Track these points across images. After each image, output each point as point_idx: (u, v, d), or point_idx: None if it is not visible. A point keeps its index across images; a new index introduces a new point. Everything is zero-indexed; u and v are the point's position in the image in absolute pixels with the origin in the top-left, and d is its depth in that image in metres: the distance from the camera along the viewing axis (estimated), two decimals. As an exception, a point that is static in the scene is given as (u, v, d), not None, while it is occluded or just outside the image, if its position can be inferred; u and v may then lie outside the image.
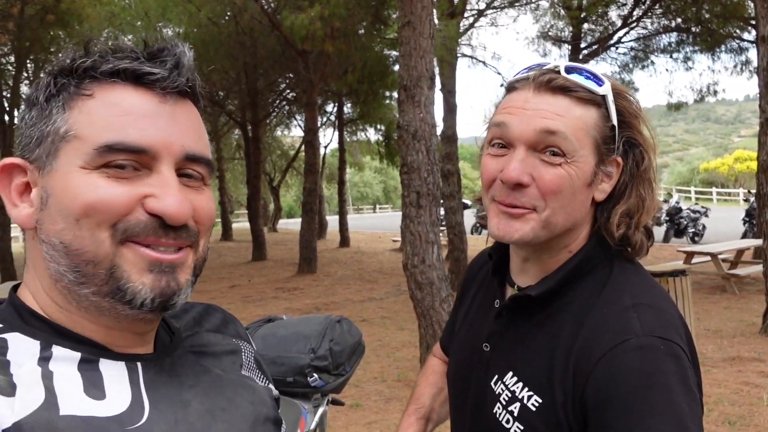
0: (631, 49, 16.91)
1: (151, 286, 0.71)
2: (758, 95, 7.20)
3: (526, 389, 1.04)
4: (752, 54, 14.88)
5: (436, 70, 13.81)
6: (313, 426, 2.39)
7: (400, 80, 5.84)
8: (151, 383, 0.76)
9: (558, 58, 17.24)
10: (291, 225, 31.10)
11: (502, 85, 1.12)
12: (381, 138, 21.18)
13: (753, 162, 11.50)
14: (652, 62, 17.08)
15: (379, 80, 16.44)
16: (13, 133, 14.36)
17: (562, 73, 1.03)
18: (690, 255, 10.16)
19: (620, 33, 15.80)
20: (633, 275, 1.07)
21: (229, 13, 16.37)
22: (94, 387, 0.70)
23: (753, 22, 11.65)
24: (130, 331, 0.76)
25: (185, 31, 16.94)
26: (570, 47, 15.62)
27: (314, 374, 2.33)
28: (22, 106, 0.76)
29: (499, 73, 17.29)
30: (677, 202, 17.95)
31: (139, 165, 0.71)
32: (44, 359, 0.70)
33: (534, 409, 1.01)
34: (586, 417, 0.95)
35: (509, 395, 1.06)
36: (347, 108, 21.85)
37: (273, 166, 29.62)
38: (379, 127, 20.84)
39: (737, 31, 15.10)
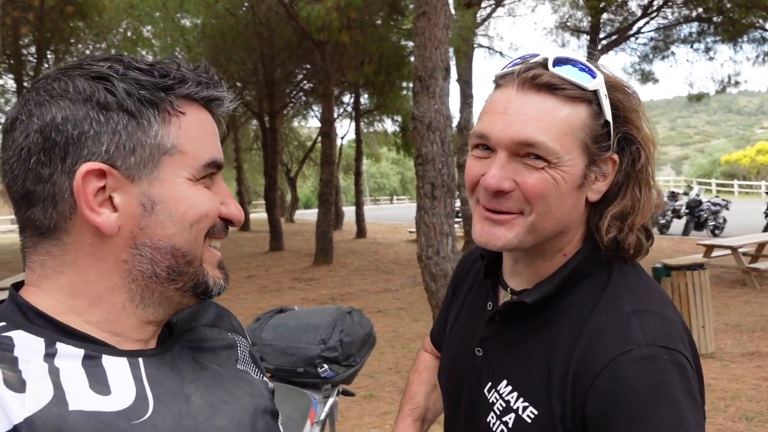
0: (651, 39, 16.74)
1: (222, 280, 0.85)
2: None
3: (521, 399, 1.00)
4: (775, 44, 14.64)
5: (453, 61, 13.70)
6: (323, 416, 2.40)
7: (415, 71, 5.82)
8: (154, 377, 0.78)
9: (576, 48, 17.08)
10: (308, 216, 31.18)
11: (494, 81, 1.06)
12: (398, 129, 21.17)
13: (775, 154, 11.29)
14: (673, 53, 16.93)
15: (395, 71, 16.40)
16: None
17: (550, 67, 0.96)
18: (710, 248, 10.04)
19: (640, 23, 15.64)
20: (633, 279, 1.03)
21: (246, 4, 16.40)
22: (99, 383, 0.72)
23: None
24: (159, 324, 0.84)
25: (203, 21, 17.01)
26: (588, 38, 15.47)
27: (324, 365, 2.34)
28: (79, 107, 0.73)
29: (517, 64, 17.15)
30: (697, 195, 17.74)
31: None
32: (49, 356, 0.71)
33: (529, 421, 0.98)
34: (587, 430, 0.92)
35: (503, 405, 1.02)
36: (364, 99, 21.83)
37: (290, 156, 29.69)
38: (395, 118, 20.82)
39: (760, 20, 14.87)
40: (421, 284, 6.42)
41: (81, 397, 0.69)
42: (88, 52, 18.47)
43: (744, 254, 10.20)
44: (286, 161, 28.67)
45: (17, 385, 0.66)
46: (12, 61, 15.64)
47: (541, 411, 0.97)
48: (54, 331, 0.74)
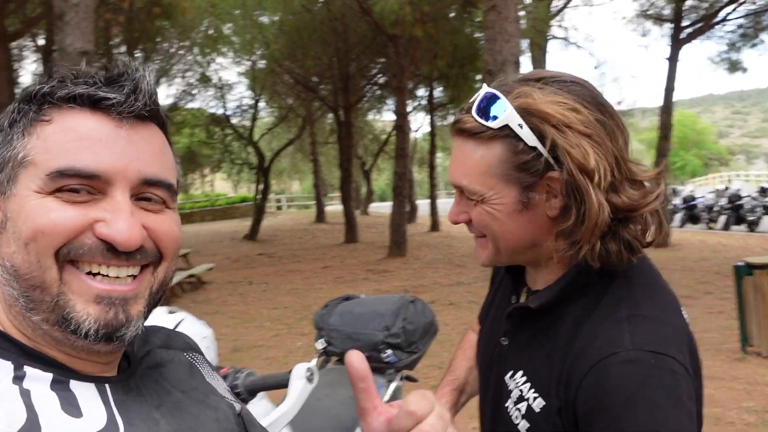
0: (740, 26, 15.96)
1: (96, 316, 0.71)
2: None
3: (532, 390, 1.08)
4: None
5: (527, 54, 13.46)
6: (386, 398, 2.50)
7: (485, 65, 5.86)
8: (122, 403, 0.75)
9: (659, 38, 16.50)
10: (383, 209, 31.40)
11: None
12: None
13: None
14: (762, 40, 16.06)
15: (469, 63, 16.35)
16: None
17: (473, 111, 1.06)
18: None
19: (727, 9, 14.92)
20: (636, 284, 1.06)
21: (321, 0, 16.69)
22: (70, 405, 0.70)
23: None
24: (93, 360, 0.76)
25: (280, 18, 17.42)
26: (672, 26, 14.91)
27: (388, 350, 2.44)
28: None
29: (592, 55, 16.79)
30: (738, 190, 17.32)
31: (94, 190, 0.71)
32: (18, 378, 0.69)
33: (538, 411, 1.05)
34: (578, 426, 0.99)
35: (518, 393, 1.10)
36: (438, 92, 21.81)
37: (365, 149, 29.99)
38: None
39: None
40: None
41: (53, 420, 0.67)
42: (172, 50, 19.26)
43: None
44: (360, 154, 28.99)
45: None
46: (104, 61, 16.52)
47: (546, 403, 1.05)
48: (19, 354, 0.71)
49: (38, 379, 0.70)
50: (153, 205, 0.76)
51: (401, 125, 15.65)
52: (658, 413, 0.91)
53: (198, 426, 0.82)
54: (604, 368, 0.95)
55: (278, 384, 1.52)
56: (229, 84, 23.21)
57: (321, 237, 20.04)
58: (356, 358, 0.68)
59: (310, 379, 1.48)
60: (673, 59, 14.47)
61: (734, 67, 16.89)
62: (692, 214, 19.62)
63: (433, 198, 21.74)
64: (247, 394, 1.55)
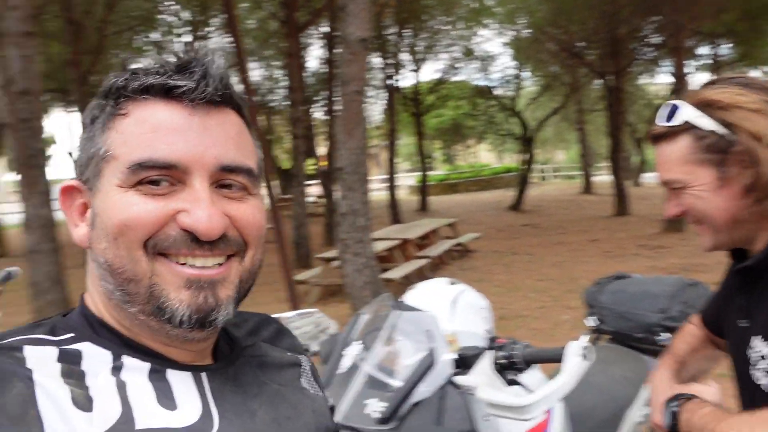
0: None
1: (188, 302, 0.71)
2: None
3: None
4: None
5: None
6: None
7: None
8: (218, 393, 0.76)
9: None
10: (655, 180, 29.23)
11: None
12: (768, 79, 18.54)
13: None
14: None
15: (763, 15, 14.36)
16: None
17: (660, 121, 1.31)
18: None
19: None
20: None
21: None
22: (166, 397, 0.71)
23: None
24: (187, 348, 0.77)
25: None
26: None
27: (664, 333, 2.36)
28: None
29: None
30: None
31: (173, 180, 0.72)
32: (116, 369, 0.71)
33: None
34: None
35: (759, 356, 1.24)
36: (724, 50, 19.56)
37: (637, 116, 28.13)
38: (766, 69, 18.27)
39: None
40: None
41: (148, 414, 0.68)
42: (437, 27, 19.97)
43: None
44: (631, 121, 27.27)
45: (84, 403, 0.66)
46: (379, 41, 17.80)
47: None
48: (119, 344, 0.74)
49: (136, 369, 0.72)
50: (234, 192, 0.76)
51: (679, 89, 14.38)
52: None
53: (296, 414, 0.83)
54: None
55: (553, 358, 1.58)
56: (492, 56, 23.35)
57: (588, 208, 19.36)
58: None
59: (585, 357, 1.52)
60: None
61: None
62: None
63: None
64: (524, 364, 1.64)
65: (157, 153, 0.70)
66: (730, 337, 1.42)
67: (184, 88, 0.72)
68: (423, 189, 22.93)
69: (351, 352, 1.65)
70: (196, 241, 0.71)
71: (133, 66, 0.75)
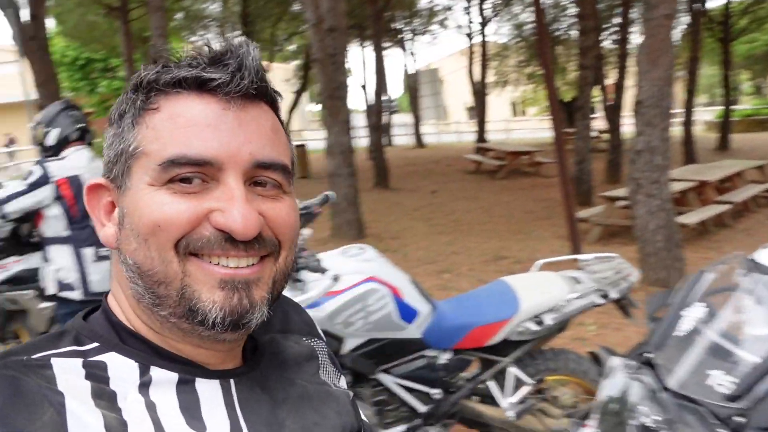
0: None
1: (221, 304, 0.68)
2: None
3: None
4: None
5: None
6: None
7: None
8: (246, 403, 0.75)
9: None
10: None
11: None
12: None
13: None
14: None
15: None
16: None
17: None
18: None
19: None
20: None
21: None
22: (195, 418, 0.70)
23: None
24: (217, 349, 0.75)
25: None
26: None
27: None
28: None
29: None
30: None
31: (207, 177, 0.68)
32: (144, 385, 0.69)
33: None
34: None
35: None
36: None
37: None
38: None
39: None
40: None
41: None
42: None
43: None
44: None
45: (118, 428, 0.64)
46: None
47: None
48: (147, 352, 0.72)
49: (164, 384, 0.70)
50: (268, 190, 0.72)
51: None
52: None
53: (323, 420, 0.81)
54: None
55: None
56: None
57: None
58: None
59: None
60: None
61: None
62: None
63: None
64: None
65: (191, 149, 0.67)
66: None
67: (219, 81, 0.69)
68: (724, 125, 20.47)
69: (692, 314, 1.47)
70: (230, 241, 0.68)
71: (166, 58, 0.73)
